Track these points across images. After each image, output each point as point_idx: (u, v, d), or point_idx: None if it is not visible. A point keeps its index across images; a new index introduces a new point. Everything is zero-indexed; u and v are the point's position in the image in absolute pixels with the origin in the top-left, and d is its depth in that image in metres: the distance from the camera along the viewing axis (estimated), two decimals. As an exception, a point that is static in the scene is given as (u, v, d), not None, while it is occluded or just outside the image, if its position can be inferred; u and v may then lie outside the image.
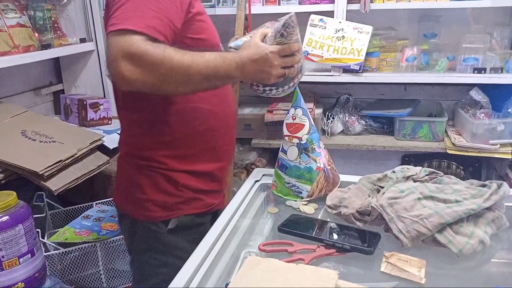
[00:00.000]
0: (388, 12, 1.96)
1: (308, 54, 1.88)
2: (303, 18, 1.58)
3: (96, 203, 1.67)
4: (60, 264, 1.41)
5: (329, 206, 0.90)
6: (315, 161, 0.96)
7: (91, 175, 1.49)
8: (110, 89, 2.05)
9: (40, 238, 1.35)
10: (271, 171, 1.08)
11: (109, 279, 1.49)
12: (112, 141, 1.67)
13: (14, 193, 1.24)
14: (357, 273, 0.73)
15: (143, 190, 0.99)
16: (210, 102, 0.98)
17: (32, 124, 1.57)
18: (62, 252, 1.40)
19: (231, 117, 1.07)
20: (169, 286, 0.70)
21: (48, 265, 1.38)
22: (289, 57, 0.86)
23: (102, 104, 1.89)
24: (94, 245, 1.43)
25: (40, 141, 1.49)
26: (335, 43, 1.86)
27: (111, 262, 1.47)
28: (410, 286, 0.68)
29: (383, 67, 1.94)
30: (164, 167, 0.97)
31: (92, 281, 1.47)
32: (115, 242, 1.46)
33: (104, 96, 2.06)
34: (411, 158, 2.08)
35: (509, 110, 1.75)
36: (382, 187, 0.91)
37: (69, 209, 1.63)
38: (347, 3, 1.83)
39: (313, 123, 0.98)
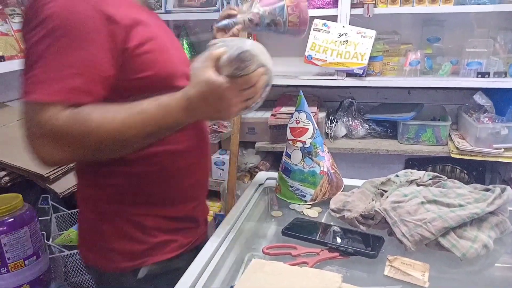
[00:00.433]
0: (392, 17, 1.97)
1: (311, 58, 1.88)
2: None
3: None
4: (64, 267, 1.42)
5: (332, 210, 0.91)
6: (319, 165, 0.97)
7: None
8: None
9: (45, 241, 1.36)
10: (275, 174, 1.08)
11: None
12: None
13: (20, 195, 1.25)
14: (360, 277, 0.74)
15: (106, 238, 0.86)
16: (177, 141, 0.84)
17: (38, 127, 1.58)
18: (67, 255, 1.41)
19: (204, 149, 0.94)
20: (175, 287, 0.70)
21: (53, 267, 1.39)
22: (250, 88, 0.72)
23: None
24: (99, 247, 1.44)
25: (45, 144, 1.51)
26: (339, 47, 1.87)
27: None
28: (413, 290, 0.68)
29: (387, 71, 1.94)
30: (128, 212, 0.85)
31: (96, 284, 1.47)
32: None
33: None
34: (414, 162, 2.08)
35: (512, 114, 1.75)
36: (386, 191, 0.91)
37: (74, 212, 1.64)
38: (351, 7, 1.84)
39: (316, 127, 0.98)
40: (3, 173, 1.33)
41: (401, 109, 2.00)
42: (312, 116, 0.98)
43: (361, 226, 0.84)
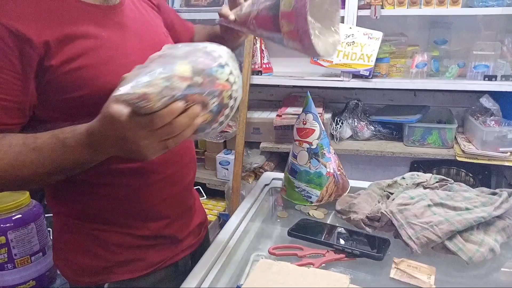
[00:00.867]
0: (399, 18, 1.96)
1: (318, 59, 1.88)
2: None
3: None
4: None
5: (338, 211, 0.91)
6: (325, 166, 0.97)
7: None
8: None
9: (51, 237, 1.37)
10: (281, 175, 1.08)
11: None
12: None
13: (27, 192, 1.26)
14: (366, 279, 0.74)
15: (70, 250, 0.84)
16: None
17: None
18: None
19: (178, 165, 0.86)
20: (181, 287, 0.71)
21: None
22: (165, 127, 0.56)
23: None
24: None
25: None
26: (345, 49, 1.87)
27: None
28: (419, 293, 0.68)
29: (393, 73, 1.94)
30: (89, 227, 0.81)
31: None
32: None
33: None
34: (420, 164, 2.07)
35: (520, 118, 1.74)
36: (392, 193, 0.91)
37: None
38: (358, 9, 1.84)
39: (323, 128, 0.98)
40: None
41: (407, 111, 2.00)
42: (319, 117, 0.98)
43: (367, 228, 0.84)
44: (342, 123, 2.01)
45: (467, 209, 0.79)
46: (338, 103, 2.22)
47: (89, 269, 0.83)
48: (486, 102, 1.83)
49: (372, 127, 2.02)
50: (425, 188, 0.91)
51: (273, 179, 1.14)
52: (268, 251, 0.80)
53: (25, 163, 0.63)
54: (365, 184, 1.00)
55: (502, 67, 1.78)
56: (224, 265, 0.79)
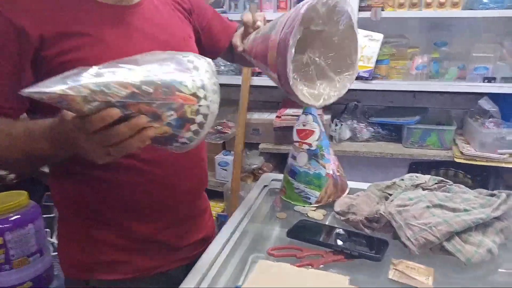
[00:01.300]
0: (399, 20, 1.96)
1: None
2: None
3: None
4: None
5: (337, 213, 0.91)
6: (325, 167, 0.97)
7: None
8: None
9: (49, 238, 1.37)
10: (280, 176, 1.08)
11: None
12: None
13: (26, 192, 1.26)
14: (365, 280, 0.74)
15: (64, 241, 0.87)
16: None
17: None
18: (71, 252, 1.41)
19: (174, 167, 0.84)
20: (179, 287, 0.71)
21: (56, 265, 1.39)
22: (101, 133, 0.54)
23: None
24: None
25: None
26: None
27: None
28: (418, 294, 0.68)
29: (393, 74, 1.94)
30: (79, 221, 0.83)
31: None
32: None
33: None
34: (418, 166, 2.07)
35: (518, 120, 1.75)
36: (391, 195, 0.91)
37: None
38: (358, 10, 1.84)
39: (323, 130, 0.98)
40: (9, 169, 1.34)
41: (406, 113, 2.00)
42: (319, 118, 0.98)
43: (366, 229, 0.84)
44: (341, 124, 2.01)
45: (465, 210, 0.79)
46: (337, 104, 2.21)
47: (77, 263, 0.85)
48: (485, 104, 1.83)
49: (372, 129, 2.02)
50: (424, 189, 0.91)
51: (272, 180, 1.14)
52: (267, 252, 0.80)
53: (0, 146, 0.68)
54: (364, 185, 1.00)
55: (501, 69, 1.78)
56: (222, 266, 0.78)
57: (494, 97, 1.83)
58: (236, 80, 2.03)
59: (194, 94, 0.57)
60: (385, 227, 0.84)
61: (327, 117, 2.01)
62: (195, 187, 0.92)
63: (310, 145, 0.96)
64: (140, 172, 0.80)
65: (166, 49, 0.72)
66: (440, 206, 0.81)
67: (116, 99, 0.52)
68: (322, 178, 0.96)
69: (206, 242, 0.93)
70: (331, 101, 0.84)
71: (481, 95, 1.87)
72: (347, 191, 1.01)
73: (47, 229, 1.34)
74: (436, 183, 0.92)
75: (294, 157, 0.99)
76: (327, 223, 0.92)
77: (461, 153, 1.79)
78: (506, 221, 0.80)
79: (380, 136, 2.03)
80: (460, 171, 2.01)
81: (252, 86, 2.03)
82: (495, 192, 0.86)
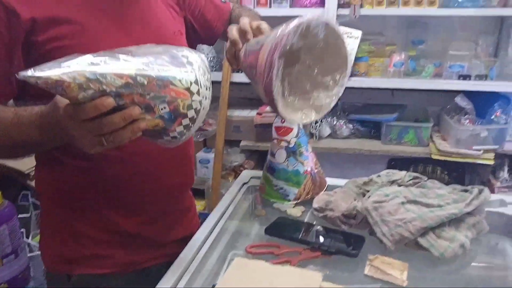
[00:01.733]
0: (377, 18, 1.99)
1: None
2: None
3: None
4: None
5: (315, 209, 0.91)
6: (303, 164, 0.97)
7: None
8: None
9: (25, 239, 1.34)
10: (259, 173, 1.09)
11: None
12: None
13: (-1, 192, 1.23)
14: (341, 276, 0.74)
15: (46, 233, 0.87)
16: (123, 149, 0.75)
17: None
18: (47, 253, 1.39)
19: (158, 159, 0.83)
20: (156, 287, 0.70)
21: (32, 266, 1.36)
22: (94, 121, 0.54)
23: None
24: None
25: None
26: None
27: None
28: (392, 289, 0.69)
29: (371, 72, 1.96)
30: (61, 214, 0.83)
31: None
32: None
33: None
34: (397, 162, 2.11)
35: (492, 117, 1.79)
36: (368, 191, 0.93)
37: (55, 209, 1.61)
38: (338, 7, 1.85)
39: (301, 127, 0.99)
40: (-18, 169, 1.31)
41: (385, 110, 2.03)
42: (296, 116, 0.99)
43: (343, 226, 0.85)
44: (321, 121, 2.03)
45: (439, 206, 0.81)
46: (317, 101, 2.23)
47: (59, 256, 0.84)
48: (461, 101, 1.87)
49: (351, 126, 2.04)
50: (399, 185, 0.92)
51: (251, 177, 1.14)
52: (245, 249, 0.80)
53: None
54: (342, 182, 1.02)
55: (476, 67, 1.82)
56: (201, 264, 0.78)
57: (469, 95, 1.88)
58: (216, 76, 2.02)
59: (188, 89, 0.57)
60: (362, 223, 0.85)
61: (307, 114, 2.02)
62: (181, 183, 0.92)
63: (288, 142, 0.97)
64: (125, 164, 0.80)
65: (157, 42, 0.72)
66: (415, 202, 0.83)
67: (111, 88, 0.52)
68: (300, 175, 0.97)
69: (190, 240, 0.93)
70: (329, 108, 0.84)
71: (456, 92, 1.91)
72: (325, 188, 1.02)
73: (23, 230, 1.31)
74: (411, 179, 0.94)
75: (273, 154, 1.00)
76: (305, 219, 0.92)
77: (438, 149, 1.83)
78: (478, 216, 0.82)
79: (360, 133, 2.05)
80: (438, 167, 2.06)
81: (232, 83, 2.02)
82: (468, 187, 0.88)
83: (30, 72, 0.49)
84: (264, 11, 1.93)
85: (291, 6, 1.92)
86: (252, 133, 2.02)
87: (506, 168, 1.90)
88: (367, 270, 0.73)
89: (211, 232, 0.88)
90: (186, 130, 0.60)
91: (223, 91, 2.00)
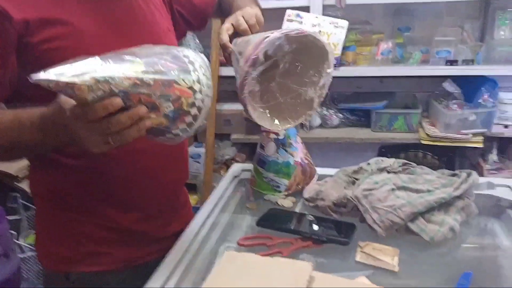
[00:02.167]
0: (363, 7, 1.98)
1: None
2: (279, 13, 1.58)
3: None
4: (36, 266, 1.38)
5: (306, 199, 0.92)
6: (292, 155, 0.97)
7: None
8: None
9: (15, 240, 1.33)
10: (250, 166, 1.08)
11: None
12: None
13: (-13, 194, 1.21)
14: (334, 264, 0.75)
15: (43, 234, 0.87)
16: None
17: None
18: (40, 254, 1.38)
19: (157, 157, 0.84)
20: (149, 282, 0.70)
21: (24, 267, 1.35)
22: (101, 122, 0.55)
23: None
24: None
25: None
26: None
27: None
28: (383, 274, 0.70)
29: (359, 60, 1.96)
30: (58, 214, 0.83)
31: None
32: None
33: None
34: (387, 149, 2.12)
35: (480, 101, 1.81)
36: (358, 179, 0.93)
37: (46, 210, 1.60)
38: (324, -3, 1.84)
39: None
40: (-31, 172, 1.29)
41: (374, 98, 2.04)
42: (284, 106, 0.98)
43: (334, 214, 0.86)
44: (311, 111, 2.03)
45: (428, 191, 0.81)
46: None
47: (56, 255, 0.84)
48: (449, 86, 1.88)
49: (341, 115, 2.05)
50: (388, 172, 0.93)
51: (242, 170, 1.14)
52: (237, 242, 0.80)
53: None
54: (332, 171, 1.02)
55: (462, 52, 1.83)
56: (193, 258, 0.78)
57: (457, 80, 1.89)
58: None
59: (191, 88, 0.59)
60: (352, 211, 0.85)
61: (297, 105, 2.02)
62: (177, 178, 0.93)
63: (277, 134, 0.97)
64: (122, 161, 0.80)
65: (150, 40, 0.74)
66: (404, 188, 0.83)
67: (119, 89, 0.54)
68: (290, 166, 0.97)
69: None
70: (320, 101, 0.85)
71: (444, 78, 1.92)
72: (315, 178, 1.02)
73: (13, 232, 1.30)
74: (400, 166, 0.94)
75: (262, 147, 0.99)
76: (297, 210, 0.93)
77: (427, 135, 1.84)
78: (467, 199, 0.83)
79: (349, 122, 2.06)
80: (428, 153, 2.07)
81: (221, 77, 2.01)
82: (456, 171, 0.89)
83: (42, 75, 0.51)
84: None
85: (278, -3, 1.90)
86: (242, 126, 2.02)
87: (494, 151, 1.92)
88: (358, 257, 0.73)
89: (203, 226, 0.87)
90: (189, 127, 0.62)
91: (212, 84, 1.98)
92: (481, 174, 1.83)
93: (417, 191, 0.82)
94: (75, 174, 0.80)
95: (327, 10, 1.87)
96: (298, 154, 0.98)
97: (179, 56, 0.61)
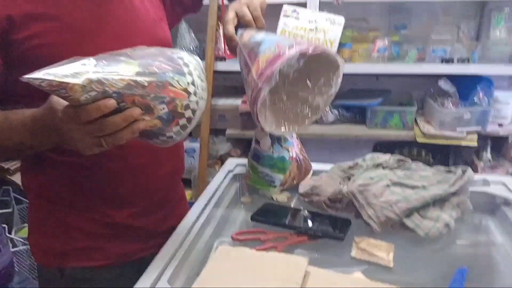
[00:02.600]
0: (360, 4, 1.98)
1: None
2: (276, 9, 1.57)
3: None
4: (29, 260, 1.37)
5: (301, 194, 0.91)
6: (288, 150, 0.97)
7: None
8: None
9: (7, 234, 1.31)
10: (245, 161, 1.08)
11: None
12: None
13: (-22, 187, 1.20)
14: (329, 259, 0.75)
15: (36, 228, 0.85)
16: None
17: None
18: (31, 248, 1.37)
19: (149, 153, 0.83)
20: (141, 278, 0.69)
21: (16, 261, 1.34)
22: (94, 123, 0.54)
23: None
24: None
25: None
26: (308, 34, 1.87)
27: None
28: (378, 270, 0.70)
29: (356, 58, 1.96)
30: (51, 208, 0.81)
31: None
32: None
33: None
34: (382, 146, 2.12)
35: (475, 99, 1.81)
36: (353, 175, 0.93)
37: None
38: (320, -6, 1.84)
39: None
40: (-41, 164, 1.27)
41: (370, 95, 2.03)
42: (280, 101, 0.98)
43: (329, 210, 0.85)
44: (307, 108, 2.02)
45: (423, 187, 0.81)
46: (303, 88, 2.22)
47: (51, 250, 0.83)
48: (444, 84, 1.89)
49: (336, 111, 2.04)
50: (384, 168, 0.92)
51: (237, 165, 1.13)
52: (231, 237, 0.80)
53: None
54: (327, 167, 1.02)
55: (458, 51, 1.84)
56: (187, 252, 0.77)
57: (452, 78, 1.89)
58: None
59: (185, 90, 0.59)
60: (348, 207, 0.85)
61: (292, 101, 2.02)
62: (173, 172, 0.92)
63: (273, 129, 0.96)
64: (116, 157, 0.79)
65: (138, 34, 0.75)
66: (400, 184, 0.83)
67: (113, 89, 0.53)
68: (286, 162, 0.96)
69: None
70: (325, 107, 0.89)
71: (440, 76, 1.92)
72: (310, 173, 1.01)
73: (5, 225, 1.29)
74: (396, 162, 0.94)
75: (257, 142, 0.99)
76: (292, 205, 0.92)
77: (422, 132, 1.84)
78: (462, 195, 0.83)
79: (345, 119, 2.05)
80: (423, 150, 2.08)
81: (216, 72, 2.00)
82: (452, 168, 0.89)
83: (34, 75, 0.50)
84: None
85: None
86: (237, 121, 2.01)
87: (489, 149, 1.92)
88: (353, 253, 0.73)
89: (197, 220, 0.87)
90: (182, 130, 0.62)
91: (207, 80, 1.97)
92: (475, 172, 1.83)
93: (412, 187, 0.82)
94: (68, 170, 0.79)
95: (323, 7, 1.86)
96: (294, 149, 0.98)
97: (173, 57, 0.60)
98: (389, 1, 1.93)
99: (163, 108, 0.57)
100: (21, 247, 1.35)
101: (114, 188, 0.82)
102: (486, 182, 0.94)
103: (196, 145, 2.04)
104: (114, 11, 0.77)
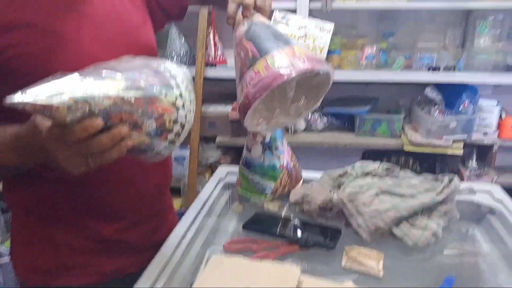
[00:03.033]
0: (348, 11, 2.01)
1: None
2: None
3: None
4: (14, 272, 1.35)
5: (292, 203, 0.92)
6: (279, 158, 0.97)
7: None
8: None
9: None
10: (236, 169, 1.08)
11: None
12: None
13: (-36, 196, 1.17)
14: (319, 269, 0.75)
15: (20, 244, 0.82)
16: None
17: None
18: (18, 257, 1.34)
19: (134, 166, 0.81)
20: (134, 286, 0.69)
21: (2, 272, 1.31)
22: (80, 143, 0.53)
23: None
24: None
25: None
26: (298, 41, 1.89)
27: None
28: (369, 279, 0.71)
29: (344, 65, 1.98)
30: (37, 224, 0.79)
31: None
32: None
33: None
34: (371, 154, 2.15)
35: (460, 108, 1.85)
36: (343, 183, 0.94)
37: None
38: (310, 1, 1.86)
39: (276, 122, 0.99)
40: None
41: (358, 102, 2.06)
42: (271, 110, 0.99)
43: (319, 218, 0.86)
44: (296, 115, 2.04)
45: (412, 195, 0.83)
46: (292, 95, 2.23)
47: (36, 268, 0.80)
48: (430, 93, 1.92)
49: (325, 119, 2.06)
50: (373, 176, 0.94)
51: (227, 173, 1.13)
52: (223, 246, 0.80)
53: None
54: (318, 174, 1.02)
55: (444, 59, 1.87)
56: (178, 263, 0.77)
57: (438, 86, 1.93)
58: (189, 72, 2.00)
59: (173, 104, 0.57)
60: (338, 215, 0.86)
61: (282, 108, 2.03)
62: (160, 183, 0.90)
63: (264, 137, 0.97)
64: (103, 171, 0.74)
65: (119, 37, 0.72)
66: (389, 193, 0.84)
67: (100, 108, 0.51)
68: (276, 170, 0.97)
69: None
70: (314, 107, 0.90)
71: (426, 84, 1.96)
72: (301, 181, 1.02)
73: (-10, 234, 1.26)
74: (384, 170, 0.95)
75: (248, 149, 0.99)
76: (283, 213, 0.93)
77: (409, 141, 1.87)
78: (449, 204, 0.85)
79: (334, 126, 2.07)
80: (410, 158, 2.11)
81: (206, 79, 2.00)
82: (439, 176, 0.91)
83: (16, 98, 0.48)
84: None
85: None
86: (227, 128, 2.01)
87: (474, 157, 1.96)
88: (344, 262, 0.74)
89: (188, 230, 0.87)
90: (171, 144, 0.60)
91: (197, 86, 1.97)
92: (461, 180, 1.86)
93: (401, 195, 0.83)
94: (52, 184, 0.77)
95: (313, 14, 1.89)
96: (285, 157, 0.99)
97: (160, 70, 0.58)
98: (378, 8, 1.96)
99: (151, 124, 0.56)
100: (6, 258, 1.32)
101: (102, 202, 0.80)
102: (472, 191, 0.96)
103: (185, 152, 2.04)
104: (94, 15, 0.75)
